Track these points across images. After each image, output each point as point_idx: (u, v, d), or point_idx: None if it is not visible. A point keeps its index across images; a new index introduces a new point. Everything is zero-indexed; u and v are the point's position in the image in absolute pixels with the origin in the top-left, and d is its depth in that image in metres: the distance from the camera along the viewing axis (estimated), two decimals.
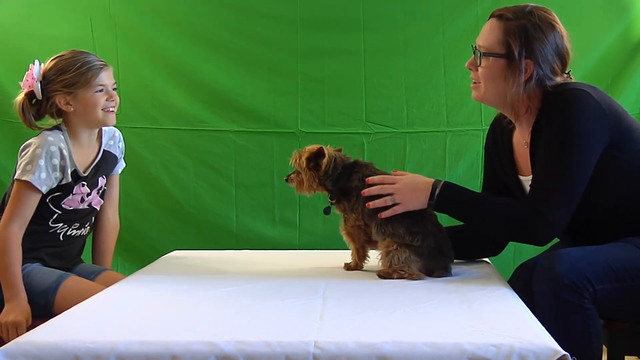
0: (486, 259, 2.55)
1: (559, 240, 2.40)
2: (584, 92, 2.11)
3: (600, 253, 2.06)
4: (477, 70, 2.22)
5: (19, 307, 2.33)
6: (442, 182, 2.19)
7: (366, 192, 2.23)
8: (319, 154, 2.30)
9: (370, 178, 2.24)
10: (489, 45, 2.18)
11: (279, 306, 1.84)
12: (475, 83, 2.24)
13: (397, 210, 2.19)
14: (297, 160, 2.33)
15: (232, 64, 3.59)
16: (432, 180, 2.20)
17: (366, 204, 2.23)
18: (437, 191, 2.17)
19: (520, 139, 2.30)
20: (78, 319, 1.75)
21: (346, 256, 2.39)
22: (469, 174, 3.56)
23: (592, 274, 1.99)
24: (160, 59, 3.59)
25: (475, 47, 2.22)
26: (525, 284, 2.16)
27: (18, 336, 1.89)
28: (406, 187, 2.20)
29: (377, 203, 2.20)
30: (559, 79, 2.17)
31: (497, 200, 2.25)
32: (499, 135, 2.40)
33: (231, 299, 1.93)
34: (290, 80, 3.58)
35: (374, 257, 2.32)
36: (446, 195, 2.18)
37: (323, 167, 2.29)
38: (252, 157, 3.61)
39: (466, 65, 2.25)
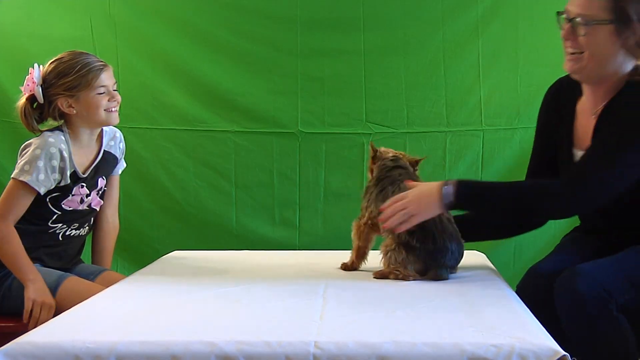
0: (486, 258, 2.55)
1: (558, 245, 2.38)
2: None
3: (615, 265, 2.00)
4: (575, 40, 2.07)
5: (40, 289, 2.34)
6: (452, 181, 2.08)
7: (381, 218, 2.17)
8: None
9: (381, 207, 2.19)
10: (592, 12, 2.04)
11: (279, 306, 1.85)
12: (574, 54, 2.09)
13: (413, 221, 2.10)
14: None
15: (232, 64, 3.58)
16: (439, 182, 2.10)
17: (383, 227, 2.18)
18: (451, 189, 2.06)
19: (588, 108, 2.17)
20: (78, 319, 1.75)
21: (346, 256, 2.39)
22: (469, 174, 3.55)
23: (613, 287, 1.93)
24: (160, 59, 3.58)
25: (568, 15, 2.07)
26: (536, 290, 2.10)
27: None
28: (415, 197, 2.11)
29: (393, 221, 2.12)
30: None
31: (516, 182, 2.15)
32: (563, 98, 2.27)
33: (231, 299, 1.93)
34: (290, 80, 3.57)
35: (374, 258, 2.32)
36: (462, 188, 2.07)
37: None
38: (252, 157, 3.60)
39: (562, 35, 2.10)
